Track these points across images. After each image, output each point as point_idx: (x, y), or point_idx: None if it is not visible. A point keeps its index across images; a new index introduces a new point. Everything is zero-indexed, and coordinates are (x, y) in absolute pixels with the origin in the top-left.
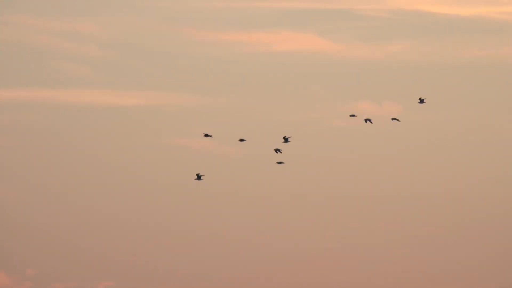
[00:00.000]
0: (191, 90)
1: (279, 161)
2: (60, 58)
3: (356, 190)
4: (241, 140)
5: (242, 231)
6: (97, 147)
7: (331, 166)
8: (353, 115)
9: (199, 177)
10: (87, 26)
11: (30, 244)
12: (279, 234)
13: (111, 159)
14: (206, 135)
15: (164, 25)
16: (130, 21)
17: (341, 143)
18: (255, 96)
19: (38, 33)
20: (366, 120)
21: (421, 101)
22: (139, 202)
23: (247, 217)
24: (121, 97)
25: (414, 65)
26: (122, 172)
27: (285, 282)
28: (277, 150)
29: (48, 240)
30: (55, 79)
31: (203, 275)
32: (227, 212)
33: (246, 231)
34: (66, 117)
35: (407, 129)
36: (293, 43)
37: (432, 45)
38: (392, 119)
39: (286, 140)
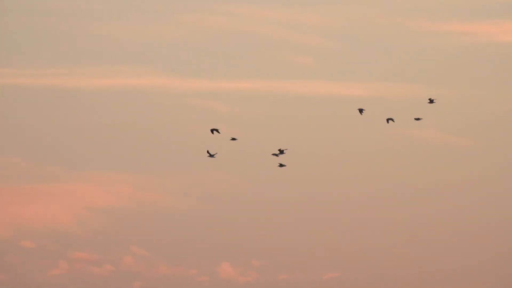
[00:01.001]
0: (415, 81)
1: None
2: (284, 49)
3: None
4: (233, 139)
5: None
6: (320, 139)
7: None
8: (361, 109)
9: (211, 154)
10: (312, 17)
11: (256, 235)
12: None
13: (336, 150)
14: (214, 130)
15: (388, 16)
16: (354, 12)
17: None
18: (477, 87)
19: (262, 24)
20: (388, 120)
21: (431, 101)
22: (368, 192)
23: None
24: (345, 88)
25: None
26: (349, 164)
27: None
28: (275, 154)
29: (274, 231)
30: (278, 70)
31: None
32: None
33: None
34: (288, 108)
35: None
36: None
37: None
38: (388, 119)
39: (281, 152)
